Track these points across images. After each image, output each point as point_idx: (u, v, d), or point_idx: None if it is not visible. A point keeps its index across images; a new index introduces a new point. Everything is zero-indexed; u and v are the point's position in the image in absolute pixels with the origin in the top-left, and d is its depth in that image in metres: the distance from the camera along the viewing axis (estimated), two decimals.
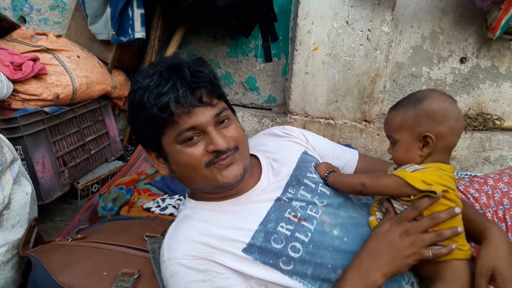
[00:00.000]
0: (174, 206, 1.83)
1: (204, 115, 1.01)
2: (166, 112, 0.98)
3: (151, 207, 1.85)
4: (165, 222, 1.37)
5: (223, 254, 0.97)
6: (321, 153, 1.32)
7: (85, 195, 2.20)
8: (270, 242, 0.98)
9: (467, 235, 1.02)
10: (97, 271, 1.12)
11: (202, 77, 1.01)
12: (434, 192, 0.94)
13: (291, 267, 0.97)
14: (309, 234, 1.01)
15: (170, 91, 0.97)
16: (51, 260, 1.15)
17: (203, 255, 0.96)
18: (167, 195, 1.99)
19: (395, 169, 1.08)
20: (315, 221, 1.04)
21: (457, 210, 0.94)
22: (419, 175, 0.97)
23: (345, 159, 1.34)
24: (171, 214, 1.78)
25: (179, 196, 1.93)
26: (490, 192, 1.33)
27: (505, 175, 1.36)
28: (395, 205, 1.02)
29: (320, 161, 1.26)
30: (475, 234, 1.04)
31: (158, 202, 1.88)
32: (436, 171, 0.99)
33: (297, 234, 1.01)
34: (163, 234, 1.25)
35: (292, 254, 0.98)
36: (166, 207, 1.83)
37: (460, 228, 0.95)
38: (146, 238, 1.24)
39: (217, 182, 1.04)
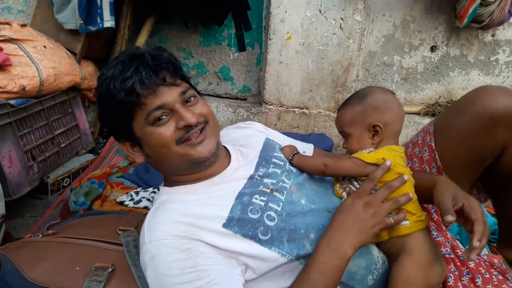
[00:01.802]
0: (148, 199, 1.80)
1: (170, 94, 1.05)
2: (132, 95, 1.01)
3: (124, 201, 1.82)
4: (139, 216, 1.35)
5: (205, 232, 0.99)
6: (280, 142, 1.40)
7: (55, 190, 2.14)
8: (247, 213, 1.03)
9: (422, 200, 1.12)
10: (70, 266, 1.09)
11: (162, 59, 1.06)
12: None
13: (269, 236, 1.01)
14: (281, 203, 1.09)
15: (133, 74, 1.01)
16: (21, 257, 1.11)
17: (186, 234, 0.97)
18: (140, 188, 1.96)
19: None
20: (285, 191, 1.12)
21: (406, 177, 1.04)
22: (375, 154, 1.09)
23: (302, 148, 1.43)
24: (146, 207, 1.76)
25: (153, 189, 1.91)
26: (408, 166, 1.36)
27: (420, 135, 1.39)
28: (354, 184, 1.13)
29: (283, 145, 1.36)
30: (427, 190, 1.09)
31: (131, 195, 1.84)
32: (388, 152, 1.10)
33: (270, 204, 1.07)
34: (137, 227, 1.24)
35: (268, 222, 1.03)
36: (140, 200, 1.80)
37: (411, 194, 1.04)
38: (119, 232, 1.22)
39: (192, 158, 1.07)
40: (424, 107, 2.84)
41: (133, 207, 1.77)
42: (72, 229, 1.26)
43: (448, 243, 1.33)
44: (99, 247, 1.17)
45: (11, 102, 1.88)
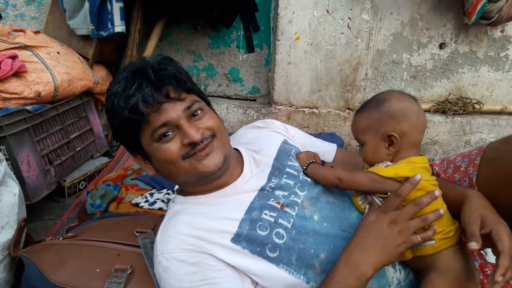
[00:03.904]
0: (162, 201, 1.84)
1: (174, 110, 1.03)
2: (136, 113, 1.01)
3: (139, 203, 1.85)
4: (155, 217, 1.38)
5: (214, 246, 0.99)
6: (300, 143, 1.36)
7: (72, 192, 2.19)
8: (256, 230, 1.01)
9: (451, 213, 1.03)
10: (90, 268, 1.13)
11: (165, 74, 1.04)
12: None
13: (277, 254, 0.99)
14: (291, 220, 1.04)
15: (136, 92, 1.00)
16: (44, 259, 1.15)
17: (194, 248, 0.98)
18: (155, 189, 2.00)
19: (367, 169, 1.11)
20: (296, 207, 1.07)
21: (437, 192, 0.94)
22: (393, 169, 1.00)
23: (323, 149, 1.39)
24: (160, 209, 1.79)
25: (167, 190, 1.94)
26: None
27: (464, 161, 1.22)
28: (374, 198, 1.04)
29: (301, 150, 1.29)
30: (457, 204, 1.02)
31: (146, 197, 1.88)
32: (408, 165, 1.01)
33: (280, 220, 1.04)
34: (153, 229, 1.27)
35: (277, 240, 1.00)
36: (154, 202, 1.84)
37: (442, 210, 0.94)
38: (137, 234, 1.25)
39: (199, 172, 1.05)
40: (434, 104, 2.83)
41: (148, 208, 1.81)
42: (91, 231, 1.30)
43: (477, 261, 1.21)
44: (118, 249, 1.20)
45: (28, 108, 1.93)
